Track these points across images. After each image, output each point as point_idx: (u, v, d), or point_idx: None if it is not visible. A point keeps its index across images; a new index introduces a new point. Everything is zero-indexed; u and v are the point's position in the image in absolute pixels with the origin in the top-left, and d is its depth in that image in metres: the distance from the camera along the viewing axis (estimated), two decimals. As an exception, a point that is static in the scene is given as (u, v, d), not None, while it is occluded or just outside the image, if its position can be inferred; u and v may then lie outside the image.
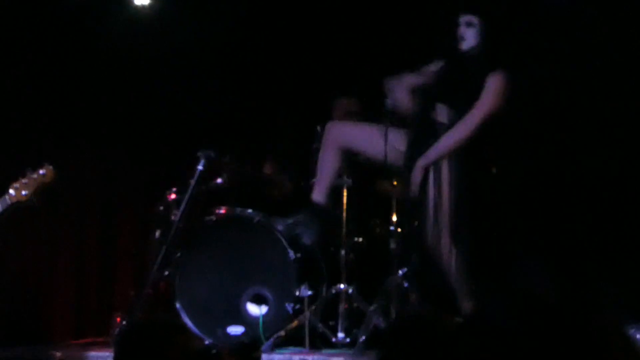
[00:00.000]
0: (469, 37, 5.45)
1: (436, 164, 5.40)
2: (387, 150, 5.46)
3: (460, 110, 5.40)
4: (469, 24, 5.45)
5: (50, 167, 5.35)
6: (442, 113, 5.47)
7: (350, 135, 5.78)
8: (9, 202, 5.26)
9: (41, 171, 5.32)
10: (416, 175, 5.41)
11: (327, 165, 5.79)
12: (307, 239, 5.89)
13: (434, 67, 5.63)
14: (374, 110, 6.13)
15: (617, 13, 6.39)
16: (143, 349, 2.80)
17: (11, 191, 5.26)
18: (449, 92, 5.45)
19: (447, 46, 5.53)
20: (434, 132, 5.44)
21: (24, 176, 5.31)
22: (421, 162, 5.40)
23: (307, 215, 5.85)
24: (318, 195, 5.81)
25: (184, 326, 4.91)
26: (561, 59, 6.48)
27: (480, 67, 5.43)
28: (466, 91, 5.40)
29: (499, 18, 5.68)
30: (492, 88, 5.35)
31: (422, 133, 5.49)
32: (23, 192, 5.27)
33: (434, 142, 5.42)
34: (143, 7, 6.98)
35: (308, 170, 6.48)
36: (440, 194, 5.36)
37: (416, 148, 5.48)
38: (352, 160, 6.01)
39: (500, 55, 5.50)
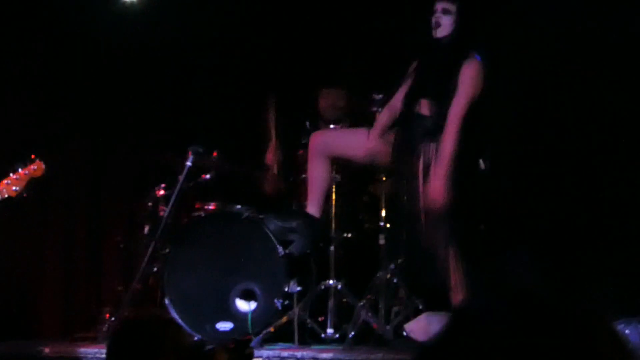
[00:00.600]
0: (445, 24, 5.43)
1: (430, 159, 5.37)
2: (374, 151, 5.47)
3: (440, 102, 5.38)
4: (445, 11, 5.43)
5: (41, 162, 5.34)
6: (425, 106, 5.46)
7: (335, 143, 5.77)
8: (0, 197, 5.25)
9: (32, 166, 5.31)
10: (437, 197, 5.35)
11: (317, 176, 5.77)
12: (297, 249, 5.90)
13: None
14: (360, 103, 6.15)
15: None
16: (136, 345, 2.80)
17: (2, 187, 5.25)
18: (428, 86, 5.45)
19: (423, 34, 5.51)
20: (420, 126, 5.43)
21: (14, 171, 5.29)
22: (438, 183, 5.34)
23: (302, 224, 5.85)
24: (312, 208, 5.79)
25: (175, 322, 4.94)
26: (537, 45, 6.51)
27: (455, 55, 5.42)
28: (443, 81, 5.39)
29: (475, 5, 5.68)
30: (468, 77, 5.34)
31: (409, 128, 5.48)
32: (14, 188, 5.25)
33: (422, 136, 5.40)
34: (132, 3, 6.96)
35: (297, 166, 6.49)
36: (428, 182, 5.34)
37: (404, 144, 5.47)
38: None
39: (474, 42, 5.50)
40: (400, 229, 5.81)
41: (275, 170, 6.68)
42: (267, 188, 6.64)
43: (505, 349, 1.60)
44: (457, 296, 5.24)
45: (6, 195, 5.24)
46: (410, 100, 5.49)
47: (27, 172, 5.28)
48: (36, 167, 5.31)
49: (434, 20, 5.43)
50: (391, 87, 5.76)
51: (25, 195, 5.30)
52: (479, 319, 1.67)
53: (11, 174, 5.27)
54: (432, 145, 5.37)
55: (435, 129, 5.37)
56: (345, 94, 6.51)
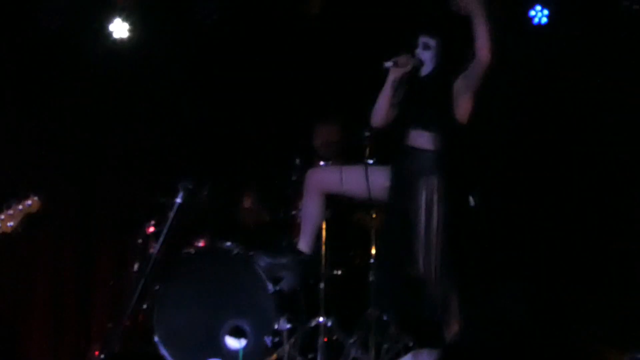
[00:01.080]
0: (426, 59, 5.47)
1: (433, 193, 5.36)
2: (370, 187, 5.46)
3: (435, 130, 5.38)
4: (425, 46, 5.47)
5: (36, 198, 5.32)
6: (416, 138, 5.45)
7: (331, 181, 5.74)
8: None
9: (27, 202, 5.29)
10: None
11: (311, 212, 5.76)
12: (286, 285, 5.90)
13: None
14: (354, 138, 6.15)
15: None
16: None
17: None
18: (418, 116, 5.44)
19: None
20: (418, 159, 5.43)
21: (9, 207, 5.27)
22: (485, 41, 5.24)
23: (292, 261, 5.84)
24: (303, 244, 5.78)
25: (161, 357, 4.92)
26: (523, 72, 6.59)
27: (439, 85, 5.43)
28: (434, 110, 5.40)
29: (456, 37, 5.71)
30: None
31: (406, 163, 5.46)
32: (9, 224, 5.23)
33: (417, 169, 5.39)
34: (122, 40, 7.00)
35: (287, 202, 6.50)
36: (431, 216, 5.33)
37: (403, 180, 5.45)
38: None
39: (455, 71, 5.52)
40: (388, 266, 5.79)
41: (254, 211, 6.68)
42: (249, 220, 6.64)
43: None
44: (452, 328, 5.22)
45: (0, 232, 5.22)
46: (400, 133, 5.48)
47: (21, 207, 5.26)
48: (31, 203, 5.29)
49: (408, 58, 5.46)
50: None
51: (20, 231, 5.28)
52: (470, 354, 1.67)
53: (5, 210, 5.25)
54: (434, 179, 5.37)
55: (436, 162, 5.38)
56: (339, 130, 6.53)
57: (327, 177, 5.77)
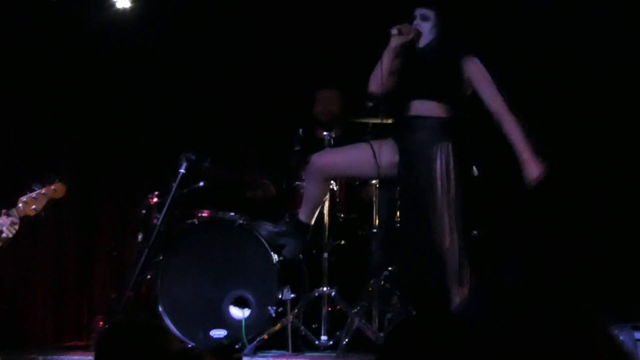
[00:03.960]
0: (424, 31, 5.47)
1: (444, 157, 5.35)
2: (379, 165, 5.45)
3: (441, 98, 5.38)
4: (424, 18, 5.47)
5: (61, 183, 5.31)
6: (420, 107, 5.44)
7: (336, 166, 5.68)
8: (17, 216, 5.19)
9: (52, 187, 5.28)
10: (534, 168, 5.30)
11: (313, 194, 5.73)
12: (288, 253, 5.90)
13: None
14: (355, 105, 6.14)
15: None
16: (123, 350, 2.79)
17: (20, 205, 5.21)
18: (424, 87, 5.43)
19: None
20: (424, 127, 5.42)
21: (33, 191, 5.25)
22: (527, 155, 5.27)
23: (292, 229, 5.85)
24: (303, 215, 5.78)
25: (164, 327, 4.92)
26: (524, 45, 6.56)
27: (442, 54, 5.44)
28: (438, 79, 5.40)
29: (453, 9, 5.71)
30: (477, 70, 5.35)
31: (414, 133, 5.44)
32: (32, 207, 5.21)
33: (428, 138, 5.39)
34: (124, 10, 6.96)
35: (290, 173, 6.50)
36: (449, 182, 5.32)
37: (411, 151, 5.43)
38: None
39: (463, 43, 5.51)
40: (394, 233, 5.79)
41: (259, 182, 6.65)
42: (259, 194, 6.63)
43: (502, 354, 1.61)
44: (462, 294, 5.23)
45: (23, 215, 5.19)
46: (404, 104, 5.47)
47: (45, 192, 5.24)
48: (56, 189, 5.28)
49: (410, 28, 5.46)
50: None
51: (43, 215, 5.27)
52: (474, 324, 1.68)
53: (29, 193, 5.22)
54: (448, 145, 5.34)
55: (448, 129, 5.37)
56: (339, 97, 6.51)
57: (331, 162, 5.70)
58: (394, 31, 5.41)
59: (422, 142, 5.36)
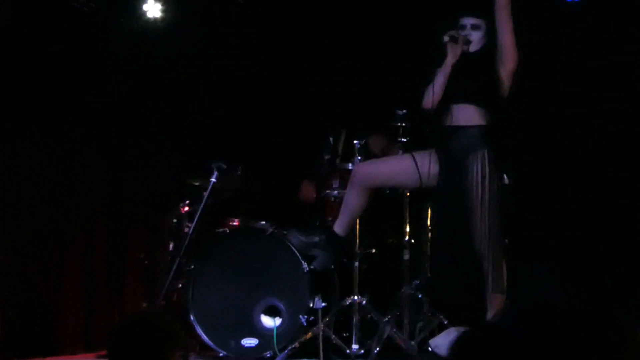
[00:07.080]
0: (475, 39, 5.53)
1: (479, 165, 5.36)
2: (421, 174, 5.46)
3: (481, 103, 5.40)
4: (474, 27, 5.54)
5: None
6: (459, 113, 5.45)
7: (379, 176, 5.72)
8: None
9: None
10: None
11: (353, 204, 5.74)
12: (319, 265, 5.90)
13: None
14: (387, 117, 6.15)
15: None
16: (136, 341, 2.80)
17: None
18: (464, 91, 5.45)
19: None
20: (461, 136, 5.43)
21: None
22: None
23: (326, 240, 5.85)
24: (339, 227, 5.79)
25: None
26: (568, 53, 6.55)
27: (490, 62, 5.47)
28: (481, 83, 5.45)
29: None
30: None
31: (449, 143, 5.45)
32: None
33: (464, 146, 5.40)
34: (155, 20, 6.99)
35: (320, 181, 6.48)
36: (484, 190, 5.33)
37: (449, 160, 5.44)
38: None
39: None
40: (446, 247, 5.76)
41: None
42: (303, 197, 6.59)
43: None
44: (498, 303, 5.22)
45: None
46: (444, 110, 5.48)
47: None
48: None
49: (462, 36, 5.48)
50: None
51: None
52: (512, 337, 1.66)
53: None
54: (483, 153, 5.37)
55: (483, 136, 5.38)
56: (385, 137, 6.48)
57: (375, 172, 5.74)
58: (446, 38, 5.44)
59: (459, 151, 5.38)
